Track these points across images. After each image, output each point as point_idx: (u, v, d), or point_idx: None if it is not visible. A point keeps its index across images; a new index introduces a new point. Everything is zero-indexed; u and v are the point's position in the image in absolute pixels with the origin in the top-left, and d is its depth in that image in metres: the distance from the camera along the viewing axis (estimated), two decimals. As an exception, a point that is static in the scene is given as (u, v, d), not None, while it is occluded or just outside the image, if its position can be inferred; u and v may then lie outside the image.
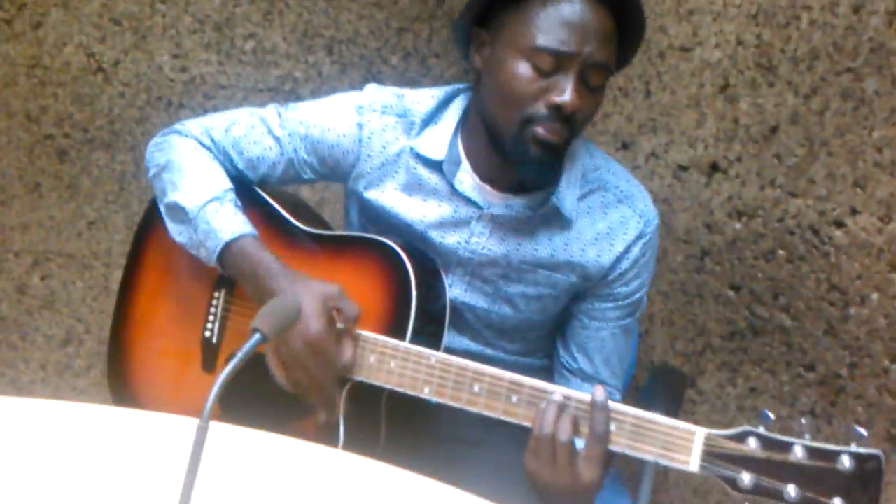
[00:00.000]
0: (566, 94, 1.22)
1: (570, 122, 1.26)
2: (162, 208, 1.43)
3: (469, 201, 1.36)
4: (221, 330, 1.42)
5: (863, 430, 1.02)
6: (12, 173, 2.51)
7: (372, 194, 1.40)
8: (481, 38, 1.30)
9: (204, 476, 1.02)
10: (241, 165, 1.44)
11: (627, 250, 1.37)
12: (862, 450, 1.02)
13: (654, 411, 1.14)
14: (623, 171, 1.43)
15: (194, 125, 1.46)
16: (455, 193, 1.36)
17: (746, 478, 1.06)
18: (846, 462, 1.02)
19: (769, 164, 1.79)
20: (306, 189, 2.24)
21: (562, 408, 1.15)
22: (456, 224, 1.38)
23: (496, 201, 1.36)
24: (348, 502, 1.06)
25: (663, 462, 1.11)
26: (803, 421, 1.06)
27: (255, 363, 1.36)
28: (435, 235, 1.38)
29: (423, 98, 1.40)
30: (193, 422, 1.18)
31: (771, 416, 1.08)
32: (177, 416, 1.20)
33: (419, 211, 1.38)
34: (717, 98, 1.91)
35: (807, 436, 1.06)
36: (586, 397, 1.16)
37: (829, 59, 1.65)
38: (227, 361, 1.40)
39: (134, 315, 1.52)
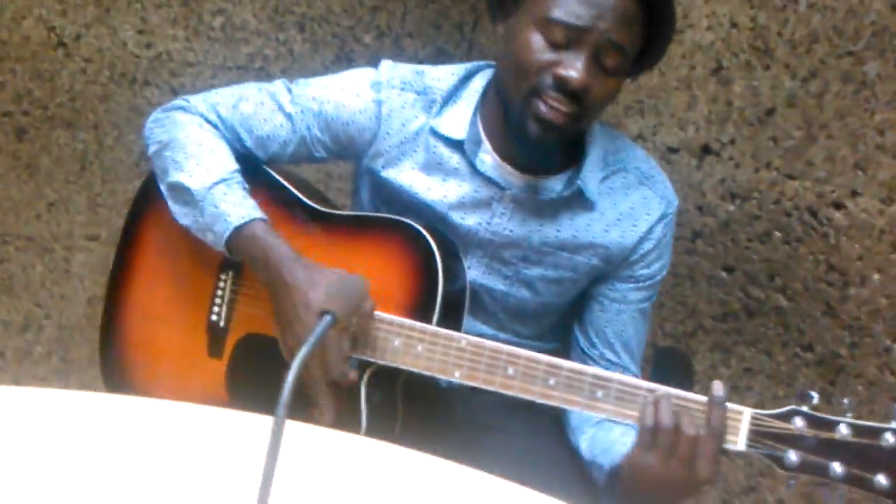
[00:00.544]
0: (574, 70, 1.20)
1: (579, 102, 1.23)
2: (163, 188, 1.37)
3: (491, 181, 1.33)
4: (229, 313, 1.37)
5: (906, 407, 1.04)
6: (-33, 152, 2.39)
7: (390, 173, 1.36)
8: (507, 6, 1.27)
9: (225, 465, 0.98)
10: (249, 143, 1.38)
11: (650, 231, 1.37)
12: (906, 426, 1.03)
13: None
14: (643, 153, 1.42)
15: (199, 101, 1.40)
16: (476, 173, 1.33)
17: (793, 455, 1.07)
18: (890, 438, 1.04)
19: (764, 147, 1.80)
20: (307, 169, 2.19)
21: (670, 401, 1.13)
22: (477, 205, 1.35)
23: (518, 182, 1.34)
24: (370, 486, 1.02)
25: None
26: (845, 401, 1.07)
27: (267, 347, 1.31)
28: (455, 216, 1.35)
29: (444, 75, 1.37)
30: (200, 409, 1.14)
31: (815, 395, 1.08)
32: (183, 402, 1.15)
33: (439, 191, 1.35)
34: (708, 80, 1.92)
35: (849, 414, 1.07)
36: (688, 394, 1.14)
37: (828, 43, 1.67)
38: (237, 345, 1.37)
39: (129, 299, 1.45)
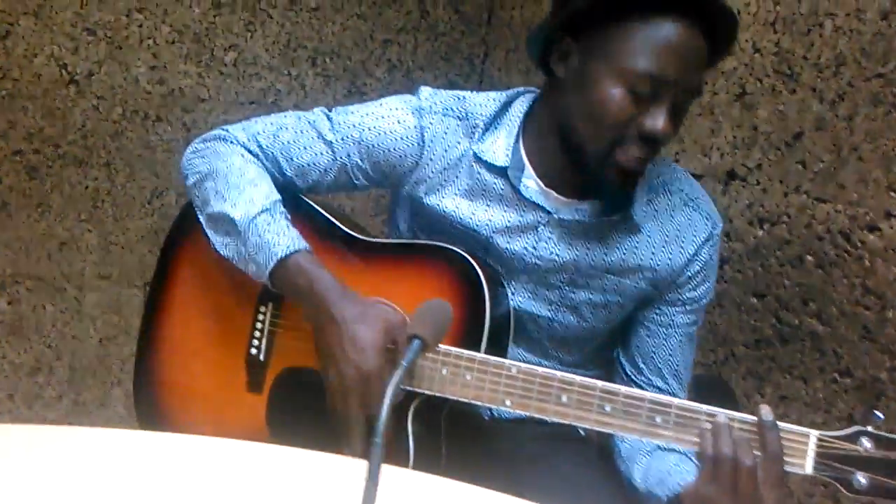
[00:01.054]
0: (660, 122, 1.20)
1: (656, 148, 1.25)
2: (202, 218, 1.34)
3: (536, 206, 1.32)
4: (269, 346, 1.34)
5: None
6: (-23, 191, 2.36)
7: (432, 199, 1.35)
8: (567, 46, 1.25)
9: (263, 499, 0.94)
10: (289, 173, 1.36)
11: (697, 252, 1.35)
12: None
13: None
14: (685, 174, 1.41)
15: (239, 130, 1.38)
16: (521, 198, 1.32)
17: (862, 478, 1.05)
18: (964, 458, 1.01)
19: (793, 171, 1.80)
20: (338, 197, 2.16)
21: (730, 429, 1.11)
22: (522, 229, 1.33)
23: (563, 206, 1.33)
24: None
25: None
26: (879, 414, 1.06)
27: (308, 381, 1.28)
28: (500, 241, 1.33)
29: (484, 101, 1.36)
30: (238, 444, 1.11)
31: (881, 416, 1.06)
32: (220, 438, 1.11)
33: (483, 216, 1.33)
34: (732, 106, 1.92)
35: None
36: (748, 417, 1.12)
37: (856, 65, 1.67)
38: (277, 379, 1.34)
39: (164, 334, 1.42)
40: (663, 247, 1.34)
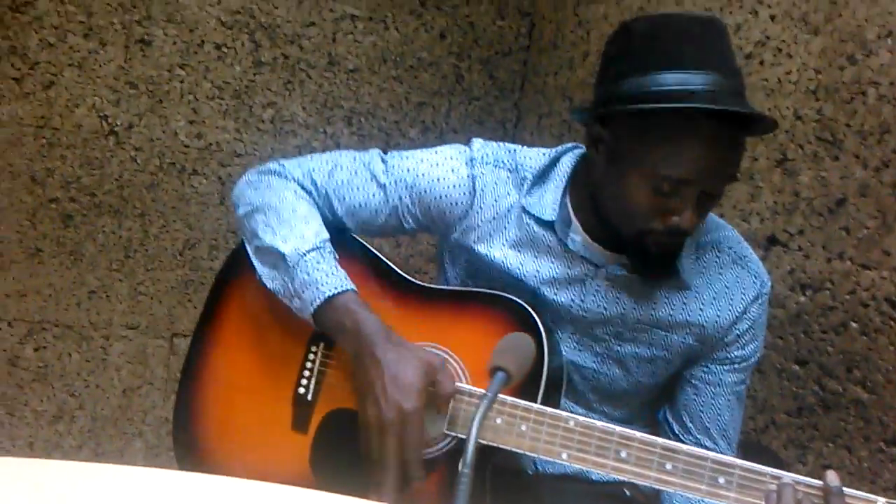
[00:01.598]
0: (685, 217, 1.21)
1: (687, 234, 1.26)
2: (250, 249, 1.35)
3: (584, 259, 1.32)
4: (318, 386, 1.32)
5: None
6: (12, 237, 2.37)
7: (482, 248, 1.34)
8: (599, 133, 1.27)
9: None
10: (340, 212, 1.37)
11: (745, 310, 1.34)
12: None
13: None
14: (733, 232, 1.40)
15: (295, 166, 1.39)
16: (568, 252, 1.32)
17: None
18: None
19: (836, 237, 1.79)
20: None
21: (794, 491, 1.08)
22: (570, 281, 1.32)
23: (609, 260, 1.32)
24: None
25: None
26: None
27: (355, 423, 1.26)
28: (547, 291, 1.32)
29: (534, 155, 1.37)
30: (281, 489, 1.08)
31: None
32: (263, 482, 1.08)
33: (531, 266, 1.33)
34: (773, 172, 1.92)
35: None
36: (813, 481, 1.10)
37: (901, 133, 1.67)
38: (324, 419, 1.31)
39: (209, 370, 1.40)
40: (711, 303, 1.33)
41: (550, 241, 1.33)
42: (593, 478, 1.37)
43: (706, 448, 1.34)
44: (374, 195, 1.36)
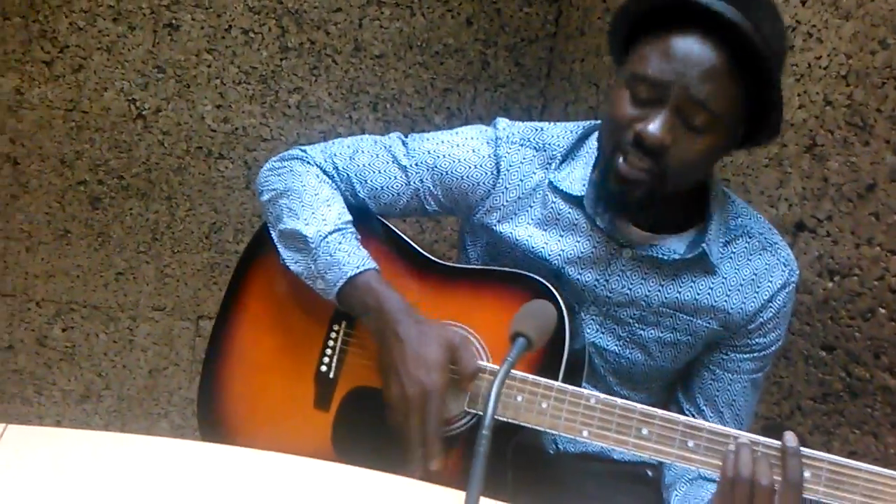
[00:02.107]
0: (652, 125, 1.16)
1: (657, 160, 1.18)
2: (274, 234, 1.35)
3: (611, 238, 1.30)
4: (339, 365, 1.32)
5: None
6: (41, 219, 2.40)
7: (505, 227, 1.34)
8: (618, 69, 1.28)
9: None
10: (362, 194, 1.37)
11: (772, 298, 1.33)
12: None
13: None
14: (763, 218, 1.39)
15: (317, 152, 1.39)
16: (596, 229, 1.31)
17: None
18: None
19: (865, 223, 1.76)
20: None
21: (753, 451, 1.09)
22: (595, 261, 1.31)
23: (638, 240, 1.31)
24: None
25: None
26: None
27: (376, 401, 1.26)
28: (571, 271, 1.32)
29: (562, 132, 1.36)
30: (301, 461, 1.08)
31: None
32: (284, 454, 1.09)
33: (556, 245, 1.32)
34: (802, 157, 1.90)
35: None
36: (774, 442, 1.09)
37: (933, 118, 1.65)
38: (346, 397, 1.32)
39: (234, 347, 1.41)
40: (738, 289, 1.32)
41: (577, 219, 1.32)
42: (615, 457, 1.37)
43: None
44: (395, 178, 1.36)
